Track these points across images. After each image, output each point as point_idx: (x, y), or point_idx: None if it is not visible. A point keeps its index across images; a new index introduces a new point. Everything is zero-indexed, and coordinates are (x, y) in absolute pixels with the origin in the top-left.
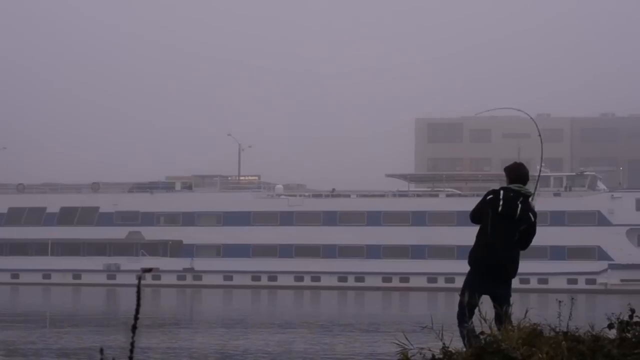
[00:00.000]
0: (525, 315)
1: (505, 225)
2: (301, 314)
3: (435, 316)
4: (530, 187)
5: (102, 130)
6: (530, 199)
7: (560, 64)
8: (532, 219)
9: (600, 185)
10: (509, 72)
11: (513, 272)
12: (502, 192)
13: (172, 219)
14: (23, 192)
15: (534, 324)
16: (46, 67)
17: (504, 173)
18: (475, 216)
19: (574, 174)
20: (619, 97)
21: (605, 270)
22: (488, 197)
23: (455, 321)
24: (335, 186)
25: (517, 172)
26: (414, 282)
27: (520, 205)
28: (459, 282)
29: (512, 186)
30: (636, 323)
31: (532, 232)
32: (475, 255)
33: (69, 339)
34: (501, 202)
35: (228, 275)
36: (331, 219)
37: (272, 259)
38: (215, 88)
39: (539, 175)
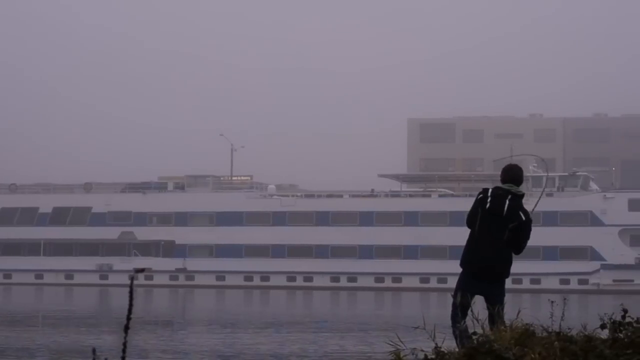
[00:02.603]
0: (518, 315)
1: (493, 222)
2: (293, 314)
3: (427, 316)
4: (522, 188)
5: (94, 131)
6: (534, 207)
7: (552, 64)
8: (523, 217)
9: (593, 186)
10: (502, 72)
11: (505, 272)
12: (490, 190)
13: (165, 219)
14: (15, 192)
15: (527, 324)
16: (39, 68)
17: (496, 173)
18: (469, 219)
19: (566, 174)
20: (612, 97)
21: (598, 270)
22: (479, 196)
23: (448, 321)
24: (328, 186)
25: (509, 173)
26: (407, 282)
27: (508, 203)
28: (452, 283)
29: (502, 185)
30: (629, 323)
31: (524, 232)
32: (466, 255)
33: (61, 339)
34: (489, 199)
35: (220, 275)
36: (324, 219)
37: (264, 259)
38: (208, 88)
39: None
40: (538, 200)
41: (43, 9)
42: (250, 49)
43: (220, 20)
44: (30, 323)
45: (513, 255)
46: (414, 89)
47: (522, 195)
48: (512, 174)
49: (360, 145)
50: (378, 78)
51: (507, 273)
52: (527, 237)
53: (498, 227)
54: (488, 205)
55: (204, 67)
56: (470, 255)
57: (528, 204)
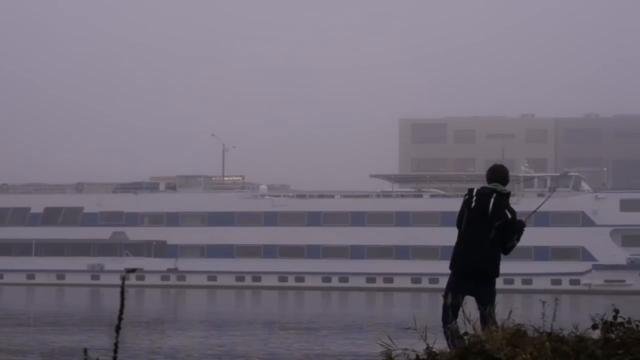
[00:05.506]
0: (509, 315)
1: (479, 221)
2: (285, 315)
3: (419, 317)
4: (514, 188)
5: (86, 131)
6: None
7: (544, 64)
8: (509, 216)
9: (585, 186)
10: (493, 72)
11: (492, 272)
12: (475, 189)
13: (156, 219)
14: (7, 192)
15: (518, 324)
16: (30, 68)
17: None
18: (457, 221)
19: (558, 174)
20: (603, 98)
21: (589, 270)
22: (465, 197)
23: (439, 322)
24: (320, 187)
25: (495, 173)
26: (398, 282)
27: (493, 201)
28: (443, 283)
29: (488, 185)
30: (620, 324)
31: (510, 231)
32: (455, 256)
33: (53, 340)
34: (474, 199)
35: (212, 275)
36: (315, 219)
37: (256, 259)
38: (199, 88)
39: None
40: (536, 206)
41: (34, 9)
42: (241, 48)
43: (211, 20)
44: (22, 323)
45: (502, 254)
46: (405, 89)
47: (508, 194)
48: (498, 173)
49: (352, 145)
50: (369, 78)
51: (496, 273)
52: (513, 236)
53: (484, 227)
54: (473, 204)
55: (196, 67)
56: (459, 257)
57: (527, 205)
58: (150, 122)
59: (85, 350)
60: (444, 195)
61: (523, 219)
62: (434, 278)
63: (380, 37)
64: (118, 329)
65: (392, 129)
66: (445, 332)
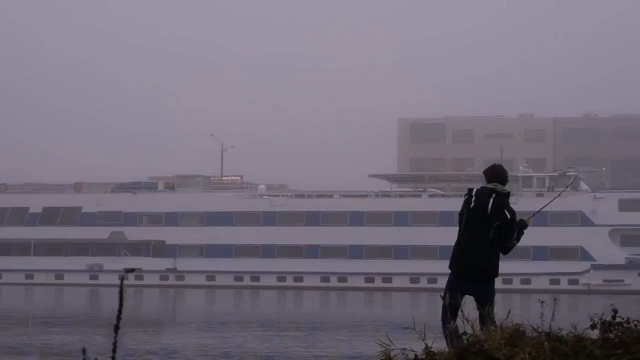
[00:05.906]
0: (508, 315)
1: (478, 222)
2: (284, 315)
3: (417, 317)
4: (509, 187)
5: (85, 131)
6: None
7: (542, 64)
8: (508, 216)
9: (583, 186)
10: (492, 72)
11: (492, 272)
12: (475, 189)
13: (155, 219)
14: (6, 192)
15: (517, 324)
16: (29, 68)
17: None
18: (459, 221)
19: (556, 174)
20: (602, 98)
21: (588, 270)
22: (465, 197)
23: (438, 322)
24: (319, 187)
25: (494, 173)
26: (397, 282)
27: (492, 201)
28: (442, 283)
29: (487, 185)
30: (619, 324)
31: (509, 231)
32: (454, 256)
33: (51, 339)
34: (474, 199)
35: (211, 275)
36: (314, 219)
37: (255, 259)
38: (198, 88)
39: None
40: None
41: (33, 9)
42: (240, 48)
43: (209, 19)
44: (21, 323)
45: (501, 254)
46: (404, 89)
47: (508, 194)
48: (497, 173)
49: (351, 145)
50: (368, 78)
51: (496, 273)
52: (513, 236)
53: (484, 227)
54: (472, 204)
55: (194, 67)
56: (458, 257)
57: (527, 205)
58: (149, 122)
59: (84, 350)
60: (442, 196)
61: (526, 218)
62: (432, 278)
63: (380, 37)
64: (117, 329)
65: (391, 129)
66: (444, 332)
